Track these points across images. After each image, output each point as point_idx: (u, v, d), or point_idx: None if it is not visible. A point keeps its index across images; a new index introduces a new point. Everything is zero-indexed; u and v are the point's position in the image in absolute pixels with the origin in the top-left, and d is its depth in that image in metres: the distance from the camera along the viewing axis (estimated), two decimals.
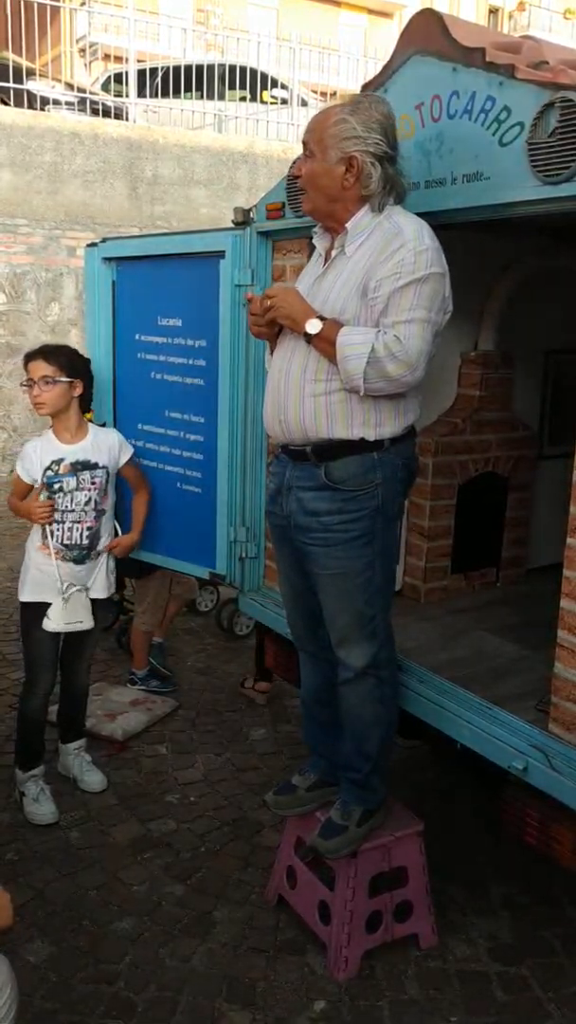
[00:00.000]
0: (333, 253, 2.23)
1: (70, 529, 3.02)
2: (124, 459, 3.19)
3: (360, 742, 2.40)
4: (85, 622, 3.06)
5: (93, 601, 3.10)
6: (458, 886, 2.83)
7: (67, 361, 2.99)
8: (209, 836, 3.04)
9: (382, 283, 2.10)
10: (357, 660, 2.31)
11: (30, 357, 3.00)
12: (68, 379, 2.98)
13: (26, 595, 3.06)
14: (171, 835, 3.04)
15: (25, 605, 3.06)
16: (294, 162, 2.62)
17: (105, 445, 3.11)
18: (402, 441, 2.27)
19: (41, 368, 2.95)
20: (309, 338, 2.15)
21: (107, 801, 3.22)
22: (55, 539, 3.00)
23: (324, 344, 2.13)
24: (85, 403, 3.16)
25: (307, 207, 2.25)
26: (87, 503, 3.03)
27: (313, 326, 2.12)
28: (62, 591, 2.98)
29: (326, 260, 2.27)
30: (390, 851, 2.48)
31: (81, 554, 3.04)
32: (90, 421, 3.28)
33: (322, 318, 2.14)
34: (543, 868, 2.84)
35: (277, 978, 2.42)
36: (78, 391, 3.02)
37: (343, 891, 2.42)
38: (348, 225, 2.18)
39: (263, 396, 2.96)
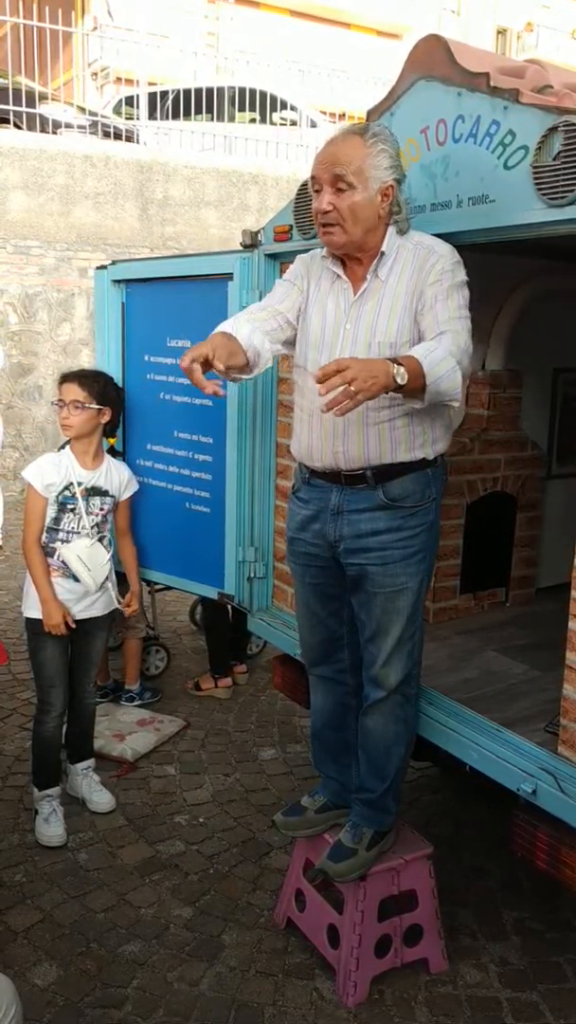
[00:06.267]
0: (367, 277, 2.20)
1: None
2: (128, 493, 3.28)
3: (378, 763, 2.39)
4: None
5: (92, 620, 3.15)
6: (468, 910, 2.80)
7: (100, 389, 3.08)
8: (218, 858, 3.03)
9: (426, 291, 2.13)
10: (393, 678, 2.31)
11: (65, 378, 3.09)
12: (98, 407, 3.06)
13: (31, 611, 3.09)
14: (179, 857, 3.03)
15: (30, 621, 3.10)
16: (302, 185, 2.64)
17: (117, 476, 3.21)
18: (443, 456, 2.33)
19: (73, 392, 3.04)
20: (399, 388, 1.91)
21: (116, 822, 3.21)
22: (56, 557, 3.05)
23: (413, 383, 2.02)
24: (110, 429, 3.25)
25: (341, 240, 2.14)
26: (92, 527, 3.10)
27: (401, 375, 1.90)
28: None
29: (355, 285, 2.24)
30: (399, 874, 2.46)
31: None
32: (112, 448, 3.34)
33: (396, 361, 1.92)
34: (554, 892, 2.82)
35: (286, 1003, 2.40)
36: (105, 419, 3.12)
37: (352, 915, 2.40)
38: (384, 248, 2.18)
39: (272, 417, 3.00)
